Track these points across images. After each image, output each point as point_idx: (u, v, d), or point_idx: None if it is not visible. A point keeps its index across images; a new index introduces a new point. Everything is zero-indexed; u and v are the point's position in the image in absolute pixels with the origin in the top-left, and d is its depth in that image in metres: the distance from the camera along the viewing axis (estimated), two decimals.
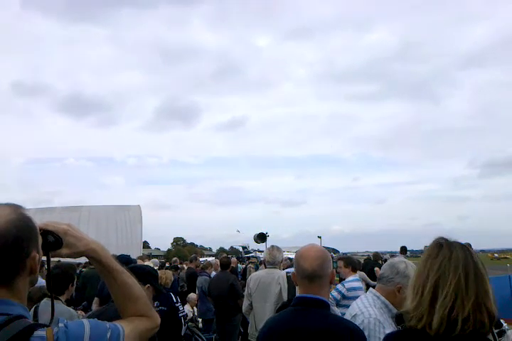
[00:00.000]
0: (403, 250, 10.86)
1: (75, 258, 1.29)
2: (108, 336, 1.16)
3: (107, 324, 1.20)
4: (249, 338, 5.18)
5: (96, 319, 1.21)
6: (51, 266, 1.28)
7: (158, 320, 1.38)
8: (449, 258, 1.52)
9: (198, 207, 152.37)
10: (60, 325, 1.12)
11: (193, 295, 8.81)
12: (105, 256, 1.31)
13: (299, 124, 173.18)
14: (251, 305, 5.08)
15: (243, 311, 5.36)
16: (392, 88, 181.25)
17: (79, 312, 3.38)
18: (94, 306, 6.01)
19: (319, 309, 2.19)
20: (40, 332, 1.07)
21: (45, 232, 1.22)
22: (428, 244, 1.67)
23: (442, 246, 1.57)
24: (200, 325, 7.80)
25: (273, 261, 5.01)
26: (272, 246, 5.20)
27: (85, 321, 1.16)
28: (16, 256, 1.12)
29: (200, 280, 8.54)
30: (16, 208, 1.17)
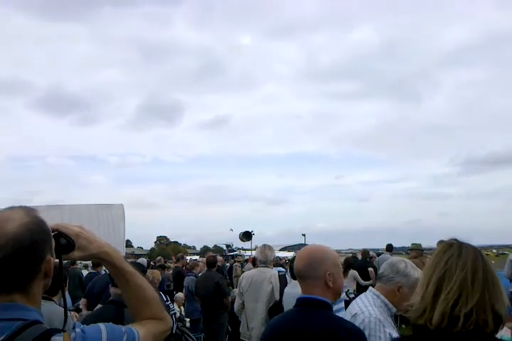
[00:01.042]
0: (389, 248, 10.95)
1: (87, 260, 1.26)
2: (124, 340, 1.15)
3: (123, 328, 1.19)
4: (241, 337, 5.15)
5: (111, 323, 1.19)
6: None
7: (171, 322, 1.37)
8: (458, 255, 1.51)
9: (181, 205, 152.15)
10: (77, 330, 1.10)
11: (180, 295, 8.77)
12: (118, 258, 1.29)
13: (281, 122, 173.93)
14: (243, 304, 5.05)
15: (235, 310, 5.33)
16: (374, 86, 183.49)
17: (72, 313, 3.31)
18: (82, 307, 5.94)
19: (320, 310, 2.17)
20: (57, 338, 1.05)
21: (58, 235, 1.19)
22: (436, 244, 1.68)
23: (453, 245, 1.57)
24: (188, 325, 7.77)
25: (265, 259, 5.00)
26: (264, 245, 5.19)
27: (102, 325, 1.15)
28: (32, 260, 1.09)
29: (187, 281, 8.50)
30: (29, 211, 1.14)
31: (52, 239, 1.17)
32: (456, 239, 1.62)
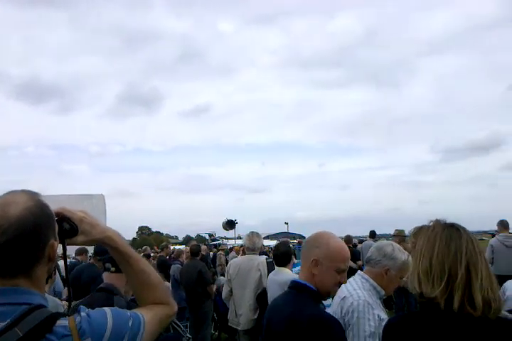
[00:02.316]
0: (372, 234, 11.12)
1: (90, 245, 1.25)
2: (130, 324, 1.14)
3: (128, 312, 1.18)
4: (229, 324, 5.20)
5: (116, 307, 1.18)
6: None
7: (176, 306, 1.37)
8: (471, 241, 1.53)
9: (163, 195, 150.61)
10: (83, 314, 1.10)
11: (166, 284, 8.77)
12: (122, 243, 1.29)
13: (263, 111, 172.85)
14: (231, 291, 5.08)
15: (223, 297, 5.36)
16: (356, 75, 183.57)
17: (63, 302, 3.29)
18: (64, 296, 5.88)
19: (295, 293, 2.18)
20: (62, 322, 1.05)
21: (61, 219, 1.19)
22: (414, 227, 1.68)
23: (459, 229, 1.57)
24: None
25: (253, 247, 5.01)
26: (252, 232, 5.19)
27: (107, 310, 1.14)
28: (35, 244, 1.08)
29: (173, 269, 8.51)
30: (32, 195, 1.13)
31: (56, 224, 1.16)
32: (444, 221, 1.63)
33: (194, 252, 7.70)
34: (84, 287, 4.95)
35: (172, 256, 9.64)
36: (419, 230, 1.65)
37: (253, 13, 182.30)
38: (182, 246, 16.10)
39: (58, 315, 1.06)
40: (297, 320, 2.01)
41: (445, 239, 1.53)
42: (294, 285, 2.20)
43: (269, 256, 7.57)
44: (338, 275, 2.12)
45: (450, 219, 1.64)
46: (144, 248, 12.93)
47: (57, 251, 1.16)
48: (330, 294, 2.21)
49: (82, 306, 1.13)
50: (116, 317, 1.13)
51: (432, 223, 1.64)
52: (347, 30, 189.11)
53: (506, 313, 1.96)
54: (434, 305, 1.47)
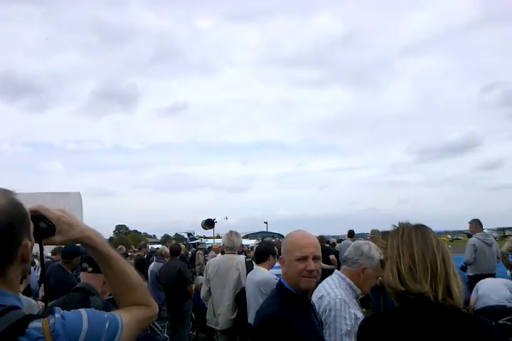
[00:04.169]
0: (350, 234, 11.24)
1: (69, 245, 1.23)
2: (106, 326, 1.11)
3: (105, 314, 1.15)
4: (207, 324, 5.17)
5: (93, 309, 1.16)
6: None
7: (157, 308, 1.34)
8: (437, 239, 1.62)
9: (141, 193, 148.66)
10: (57, 315, 1.06)
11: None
12: (101, 243, 1.26)
13: (243, 109, 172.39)
14: (209, 290, 5.05)
15: (201, 297, 5.33)
16: (335, 74, 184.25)
17: (38, 302, 3.22)
18: (40, 295, 5.77)
19: (273, 292, 2.26)
20: (36, 323, 1.02)
21: (37, 218, 1.16)
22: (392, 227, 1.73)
23: (426, 227, 1.66)
24: None
25: (232, 246, 4.99)
26: (231, 232, 5.15)
27: (83, 311, 1.11)
28: (7, 244, 1.05)
29: (157, 265, 8.28)
30: (5, 193, 1.09)
31: (31, 223, 1.13)
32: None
33: (174, 251, 7.64)
34: (51, 289, 4.85)
35: (157, 255, 9.49)
36: (384, 233, 1.73)
37: (232, 10, 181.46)
38: (160, 246, 15.96)
39: (32, 317, 1.03)
40: (256, 319, 2.10)
41: (421, 236, 1.61)
42: (277, 284, 2.24)
43: (247, 256, 7.59)
44: (301, 263, 2.11)
45: (426, 219, 1.71)
46: (119, 247, 12.70)
47: (34, 250, 1.14)
48: (301, 287, 2.14)
49: (56, 308, 1.10)
50: (93, 319, 1.10)
51: (398, 226, 1.69)
52: (327, 29, 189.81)
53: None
54: (424, 299, 1.51)
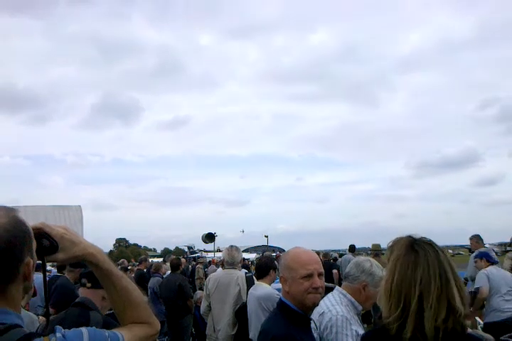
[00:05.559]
0: (352, 248, 11.19)
1: (71, 262, 1.24)
2: None
3: (106, 332, 1.15)
4: (207, 340, 5.11)
5: (94, 327, 1.16)
6: None
7: (159, 326, 1.34)
8: (428, 265, 1.55)
9: (141, 207, 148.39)
10: (58, 334, 1.07)
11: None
12: (103, 260, 1.26)
13: (242, 123, 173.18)
14: (209, 306, 5.01)
15: (201, 312, 5.29)
16: (334, 89, 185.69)
17: (39, 317, 3.20)
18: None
19: (276, 311, 2.24)
20: None
21: (40, 236, 1.16)
22: (391, 241, 1.69)
23: (416, 250, 1.59)
24: None
25: (232, 261, 4.95)
26: (231, 246, 5.13)
27: (84, 330, 1.11)
28: (9, 262, 1.06)
29: (153, 282, 8.39)
30: (7, 211, 1.10)
31: (34, 240, 1.14)
32: (412, 237, 1.65)
33: (174, 266, 7.64)
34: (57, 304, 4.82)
35: (151, 270, 9.48)
36: (393, 244, 1.69)
37: (232, 26, 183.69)
38: (160, 259, 15.89)
39: (33, 336, 1.03)
40: (263, 339, 2.06)
41: (404, 265, 1.57)
42: (278, 303, 2.21)
43: (249, 270, 7.54)
44: (306, 281, 2.09)
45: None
46: (120, 261, 12.69)
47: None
48: (307, 304, 2.12)
49: (58, 327, 1.10)
50: (94, 337, 1.10)
51: (402, 238, 1.67)
52: (325, 45, 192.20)
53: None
54: (385, 330, 1.50)
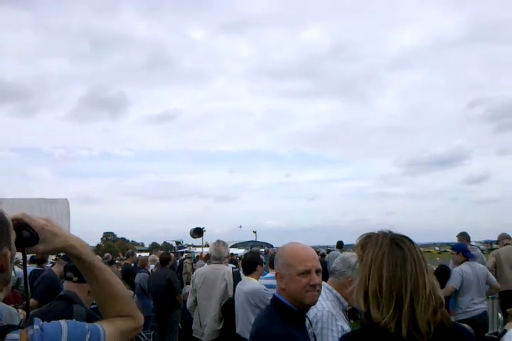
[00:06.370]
0: (339, 245, 11.25)
1: (52, 254, 1.21)
2: (87, 338, 1.09)
3: (86, 325, 1.13)
4: (193, 334, 5.11)
5: (74, 320, 1.13)
6: None
7: (142, 320, 1.32)
8: (414, 261, 1.52)
9: (130, 201, 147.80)
10: (36, 327, 1.04)
11: (130, 292, 8.62)
12: (86, 252, 1.23)
13: (233, 119, 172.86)
14: (196, 301, 5.00)
15: (187, 307, 5.27)
16: (325, 86, 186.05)
17: (19, 310, 3.16)
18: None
19: (270, 308, 2.19)
20: (13, 335, 1.00)
21: (20, 227, 1.13)
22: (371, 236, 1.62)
23: (400, 245, 1.55)
24: None
25: (219, 256, 4.93)
26: (218, 241, 5.10)
27: (63, 322, 1.09)
28: None
29: (139, 277, 8.36)
30: None
31: (13, 231, 1.11)
32: (391, 233, 1.60)
33: (164, 260, 7.61)
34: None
35: (140, 264, 9.43)
36: (365, 241, 1.62)
37: (224, 21, 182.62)
38: (147, 254, 15.84)
39: (9, 328, 1.01)
40: (259, 338, 2.00)
41: (392, 262, 1.52)
42: (272, 300, 2.18)
43: (237, 265, 7.55)
44: (304, 278, 2.04)
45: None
46: (106, 255, 12.56)
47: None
48: (305, 303, 2.07)
49: (36, 318, 1.08)
50: (73, 330, 1.08)
51: (377, 235, 1.61)
52: (316, 42, 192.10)
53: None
54: (382, 330, 1.46)
